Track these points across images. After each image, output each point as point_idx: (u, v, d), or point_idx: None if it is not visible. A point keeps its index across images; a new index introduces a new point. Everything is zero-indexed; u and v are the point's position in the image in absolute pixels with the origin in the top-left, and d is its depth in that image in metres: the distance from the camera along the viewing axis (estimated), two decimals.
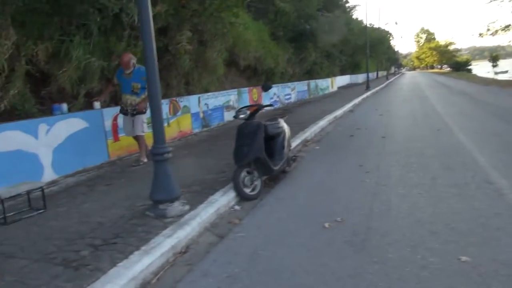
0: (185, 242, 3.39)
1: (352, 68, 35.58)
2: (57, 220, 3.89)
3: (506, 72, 46.98)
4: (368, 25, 31.83)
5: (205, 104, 9.89)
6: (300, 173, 5.71)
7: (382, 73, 54.30)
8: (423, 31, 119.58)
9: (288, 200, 4.55)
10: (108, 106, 6.71)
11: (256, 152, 4.64)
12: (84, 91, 6.34)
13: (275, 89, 14.95)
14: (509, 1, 24.14)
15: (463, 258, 2.86)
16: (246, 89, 12.74)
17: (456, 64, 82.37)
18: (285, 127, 5.63)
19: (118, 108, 6.36)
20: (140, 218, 3.78)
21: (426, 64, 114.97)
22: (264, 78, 15.07)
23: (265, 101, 13.52)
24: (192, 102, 9.23)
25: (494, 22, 28.08)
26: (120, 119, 6.44)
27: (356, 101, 17.18)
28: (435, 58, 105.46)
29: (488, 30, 27.68)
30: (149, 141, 6.35)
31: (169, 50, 8.34)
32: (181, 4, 8.13)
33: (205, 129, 9.75)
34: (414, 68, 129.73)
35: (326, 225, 3.68)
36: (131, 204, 4.21)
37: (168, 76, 8.53)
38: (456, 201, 4.13)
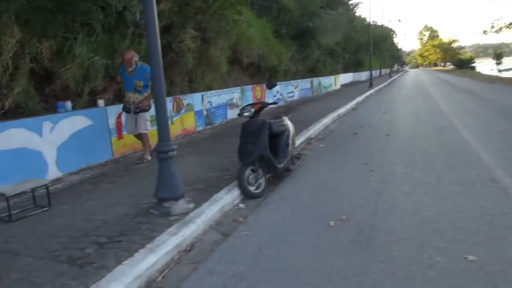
0: (190, 240, 3.39)
1: (355, 65, 35.47)
2: (62, 217, 3.89)
3: (510, 69, 46.70)
4: (371, 23, 31.75)
5: (209, 102, 9.88)
6: (304, 171, 5.69)
7: (385, 71, 54.16)
8: (427, 28, 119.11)
9: (292, 198, 4.54)
10: (112, 104, 6.70)
11: (261, 150, 4.62)
12: (88, 89, 6.34)
13: (278, 87, 14.92)
14: None
15: (470, 257, 2.84)
16: (249, 87, 12.73)
17: (459, 61, 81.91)
18: (289, 125, 5.62)
19: (122, 106, 6.35)
20: (144, 216, 3.78)
21: (429, 62, 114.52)
22: (267, 76, 15.03)
23: (268, 99, 13.50)
24: (195, 100, 9.22)
25: (498, 19, 27.94)
26: (124, 117, 6.43)
27: (359, 99, 17.13)
28: (439, 56, 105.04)
29: (493, 27, 27.55)
30: (152, 139, 6.42)
31: (172, 48, 8.32)
32: (185, 2, 8.12)
33: (208, 127, 9.75)
34: (417, 66, 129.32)
35: (331, 223, 3.66)
36: (135, 202, 4.21)
37: (171, 74, 8.52)
38: (461, 200, 4.11)
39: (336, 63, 26.61)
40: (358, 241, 3.28)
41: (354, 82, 33.83)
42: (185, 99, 8.80)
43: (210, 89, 10.26)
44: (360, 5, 42.84)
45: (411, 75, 55.59)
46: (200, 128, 9.38)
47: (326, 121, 10.19)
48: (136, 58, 5.98)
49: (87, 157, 5.93)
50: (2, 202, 4.00)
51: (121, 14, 6.51)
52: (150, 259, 2.90)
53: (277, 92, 14.80)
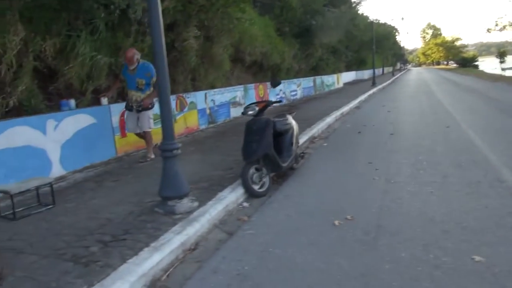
0: (194, 239, 3.37)
1: (357, 64, 35.36)
2: (66, 215, 3.88)
3: None
4: (374, 21, 31.64)
5: (212, 100, 9.86)
6: (308, 170, 5.67)
7: (387, 69, 53.97)
8: (430, 26, 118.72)
9: (296, 197, 4.52)
10: (115, 102, 6.69)
11: (265, 149, 4.60)
12: (92, 87, 6.32)
13: (281, 85, 14.88)
14: None
15: (477, 258, 2.82)
16: (252, 85, 12.70)
17: (462, 60, 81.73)
18: (293, 123, 5.59)
19: (125, 104, 6.33)
20: (149, 215, 3.76)
21: (432, 60, 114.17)
22: (270, 74, 15.00)
23: (271, 97, 13.47)
24: (198, 98, 9.20)
25: (502, 17, 27.80)
26: (126, 115, 6.41)
27: (363, 97, 17.08)
28: (441, 54, 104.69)
29: (496, 25, 27.40)
30: (155, 137, 6.41)
31: (175, 47, 8.30)
32: (188, 0, 8.09)
33: (211, 125, 9.73)
34: (420, 64, 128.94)
35: (336, 222, 3.64)
36: (139, 200, 4.20)
37: (174, 72, 8.50)
38: (468, 200, 4.08)
39: (338, 61, 26.54)
40: (364, 241, 3.26)
41: (356, 80, 33.75)
42: (188, 98, 8.78)
43: (213, 87, 10.24)
44: (362, 3, 42.64)
45: (414, 74, 55.41)
46: (203, 127, 9.36)
47: (329, 119, 10.15)
48: (137, 56, 5.94)
49: (90, 155, 5.93)
50: (6, 200, 4.00)
51: (125, 12, 6.49)
52: (154, 258, 2.89)
53: (280, 90, 14.77)
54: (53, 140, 5.33)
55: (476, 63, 75.77)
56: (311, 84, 19.69)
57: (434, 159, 5.83)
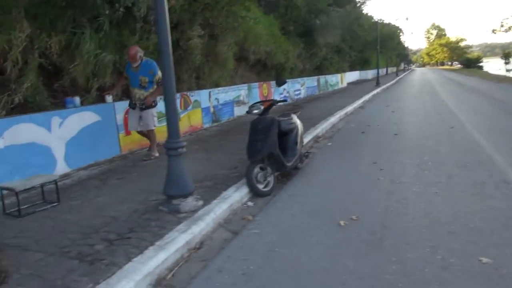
0: (199, 238, 3.37)
1: (361, 64, 35.26)
2: (71, 213, 3.88)
3: None
4: (378, 21, 31.54)
5: (216, 98, 9.85)
6: (312, 170, 5.65)
7: (391, 69, 53.82)
8: (434, 27, 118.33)
9: (301, 196, 4.50)
10: (120, 99, 6.68)
11: (270, 148, 4.59)
12: (97, 85, 6.32)
13: (284, 85, 14.85)
14: None
15: (484, 260, 2.80)
16: (256, 84, 12.68)
17: (467, 60, 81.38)
18: (298, 123, 5.58)
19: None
20: (153, 213, 3.76)
21: (436, 61, 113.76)
22: (274, 73, 14.98)
23: (275, 97, 13.45)
24: (203, 96, 9.19)
25: (507, 18, 27.66)
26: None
27: (367, 97, 17.03)
28: (446, 55, 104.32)
29: (502, 26, 27.25)
30: (158, 135, 6.41)
31: (180, 45, 8.29)
32: None
33: (215, 124, 9.72)
34: (424, 65, 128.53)
35: (342, 223, 3.62)
36: (144, 199, 4.19)
37: (179, 71, 8.48)
38: (473, 201, 4.06)
39: (342, 61, 26.47)
40: (370, 241, 3.24)
41: (360, 80, 33.66)
42: (192, 96, 8.77)
43: (217, 86, 10.22)
44: (367, 2, 42.48)
45: (418, 74, 55.25)
46: (207, 125, 9.36)
47: (333, 119, 10.12)
48: (140, 53, 5.90)
49: (95, 153, 5.93)
50: (12, 197, 3.99)
51: (129, 9, 6.47)
52: (160, 257, 2.88)
53: (284, 89, 14.75)
54: (58, 137, 5.33)
55: (480, 64, 75.47)
56: (315, 83, 19.65)
57: (439, 159, 5.80)
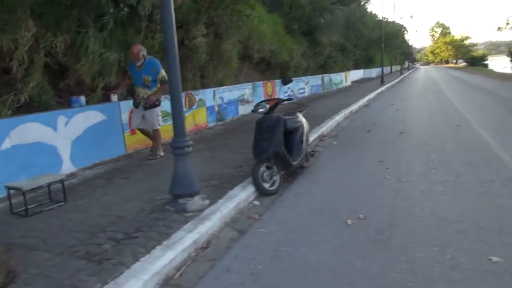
0: (206, 237, 3.36)
1: (365, 62, 35.15)
2: (78, 212, 3.89)
3: None
4: (383, 19, 31.41)
5: (220, 97, 9.84)
6: (318, 169, 5.63)
7: (395, 68, 53.61)
8: (438, 25, 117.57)
9: (307, 195, 4.49)
10: (125, 99, 6.69)
11: (276, 147, 4.57)
12: (102, 84, 6.33)
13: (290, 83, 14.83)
14: None
15: (494, 259, 2.77)
16: (261, 82, 12.66)
17: (471, 59, 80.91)
18: (304, 121, 5.56)
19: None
20: (160, 212, 3.76)
21: (441, 59, 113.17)
22: (278, 72, 14.95)
23: (279, 95, 13.42)
24: (207, 95, 9.19)
25: None
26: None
27: (371, 95, 16.97)
28: (450, 53, 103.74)
29: (507, 24, 27.05)
30: (163, 134, 6.41)
31: (185, 44, 8.28)
32: None
33: (219, 122, 9.71)
34: (428, 63, 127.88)
35: (348, 222, 3.61)
36: (150, 198, 4.19)
37: (183, 69, 8.47)
38: (481, 199, 4.03)
39: (347, 59, 26.39)
40: (378, 240, 3.22)
41: (364, 79, 33.55)
42: (197, 95, 8.77)
43: (221, 84, 10.21)
44: (371, 0, 42.40)
45: (422, 72, 55.00)
46: (211, 124, 9.35)
47: (338, 118, 10.09)
48: (143, 52, 5.87)
49: (100, 152, 5.94)
50: (19, 197, 4.00)
51: (134, 8, 6.47)
52: (167, 256, 2.87)
53: (288, 88, 14.72)
54: (64, 136, 5.34)
55: (485, 62, 74.98)
56: (319, 82, 19.59)
57: (445, 158, 5.77)
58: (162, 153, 6.16)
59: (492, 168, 5.11)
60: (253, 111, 5.00)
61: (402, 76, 38.45)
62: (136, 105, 6.08)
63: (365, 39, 29.46)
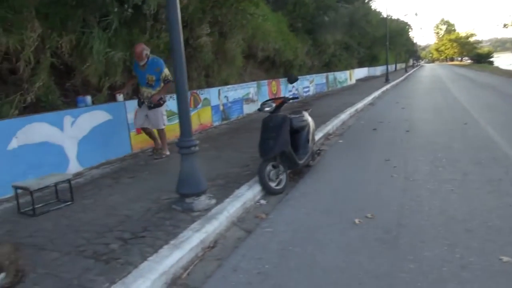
0: (213, 237, 3.35)
1: (370, 60, 35.01)
2: (85, 212, 3.89)
3: None
4: (387, 17, 31.24)
5: (225, 96, 9.83)
6: (324, 167, 5.61)
7: (400, 66, 53.39)
8: (443, 22, 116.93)
9: (314, 194, 4.47)
10: (130, 98, 6.69)
11: (282, 146, 4.56)
12: (108, 84, 6.33)
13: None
14: None
15: (505, 259, 2.74)
16: (265, 81, 12.64)
17: (477, 56, 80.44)
18: (310, 120, 5.54)
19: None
20: (167, 212, 3.75)
21: (446, 56, 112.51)
22: (282, 71, 14.92)
23: (284, 94, 13.39)
24: (212, 94, 9.18)
25: None
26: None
27: (376, 94, 16.90)
28: (455, 50, 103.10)
29: None
30: (168, 134, 6.40)
31: (189, 44, 8.28)
32: None
33: (224, 122, 9.70)
34: (433, 61, 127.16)
35: (356, 221, 3.59)
36: (156, 197, 4.19)
37: (188, 69, 8.37)
38: (490, 198, 4.00)
39: (351, 57, 26.30)
40: (386, 239, 3.20)
41: (369, 77, 33.39)
42: (202, 94, 8.77)
43: (226, 83, 10.21)
44: None
45: (428, 70, 54.71)
46: (216, 123, 9.35)
47: (343, 116, 10.06)
48: (147, 51, 5.85)
49: (106, 151, 5.95)
50: (26, 196, 4.02)
51: (139, 8, 6.47)
52: (175, 256, 2.87)
53: (293, 87, 14.67)
54: (70, 136, 5.35)
55: (491, 59, 74.52)
56: (324, 80, 19.53)
57: (452, 156, 5.73)
58: (167, 153, 6.16)
59: (500, 166, 5.06)
60: (259, 109, 4.99)
61: (407, 74, 38.28)
62: (140, 104, 6.09)
63: (369, 37, 29.33)
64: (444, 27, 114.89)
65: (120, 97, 6.28)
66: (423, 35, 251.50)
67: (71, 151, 5.35)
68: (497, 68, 45.54)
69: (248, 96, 11.11)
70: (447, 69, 54.43)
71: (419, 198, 4.11)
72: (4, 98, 5.00)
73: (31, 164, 4.72)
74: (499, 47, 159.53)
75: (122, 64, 6.47)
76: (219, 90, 9.53)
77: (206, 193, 3.93)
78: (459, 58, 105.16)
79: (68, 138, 5.31)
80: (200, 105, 8.65)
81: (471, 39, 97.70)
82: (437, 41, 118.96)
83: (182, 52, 3.72)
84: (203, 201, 3.81)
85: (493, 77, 27.51)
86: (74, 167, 5.37)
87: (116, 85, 6.53)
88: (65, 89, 6.05)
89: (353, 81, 25.83)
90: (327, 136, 7.84)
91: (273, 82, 13.11)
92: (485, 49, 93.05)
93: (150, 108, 5.99)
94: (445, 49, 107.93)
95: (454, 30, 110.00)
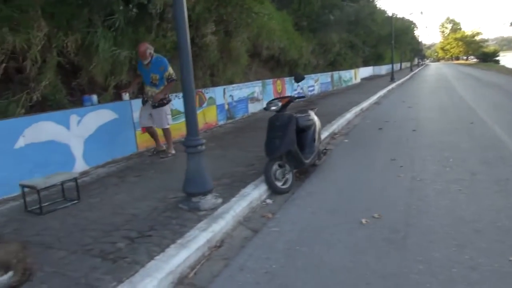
0: (220, 236, 3.34)
1: (375, 59, 34.85)
2: (91, 211, 3.90)
3: None
4: (393, 15, 31.10)
5: (230, 95, 9.82)
6: (330, 167, 5.59)
7: (405, 64, 53.16)
8: (449, 20, 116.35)
9: (320, 194, 4.45)
10: (136, 97, 6.70)
11: (288, 145, 4.54)
12: (114, 83, 6.34)
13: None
14: None
15: None
16: (270, 80, 12.62)
17: (483, 55, 79.90)
18: (316, 119, 5.52)
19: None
20: (173, 211, 3.75)
21: (451, 55, 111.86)
22: (287, 70, 14.89)
23: (289, 93, 13.36)
24: (217, 93, 9.17)
25: None
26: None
27: (381, 93, 16.83)
28: (461, 49, 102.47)
29: None
30: (173, 133, 6.40)
31: (195, 43, 8.27)
32: None
33: (229, 121, 9.70)
34: (438, 60, 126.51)
35: (363, 220, 3.56)
36: (163, 196, 4.19)
37: (194, 68, 8.36)
38: (498, 198, 3.96)
39: (356, 56, 26.22)
40: (393, 240, 3.18)
41: (374, 76, 33.28)
42: (207, 93, 8.76)
43: (231, 82, 10.19)
44: None
45: (433, 69, 54.42)
46: (221, 122, 9.34)
47: (349, 115, 10.02)
48: (150, 50, 5.84)
49: (112, 150, 5.96)
50: (33, 195, 4.03)
51: (145, 6, 6.47)
52: (181, 255, 2.86)
53: (298, 86, 14.63)
54: (76, 135, 5.37)
55: (497, 58, 74.00)
56: (329, 79, 19.48)
57: (459, 155, 5.68)
58: (173, 151, 6.16)
59: (508, 166, 5.02)
60: (265, 109, 4.98)
61: (412, 73, 38.11)
62: (144, 102, 6.09)
63: (375, 36, 29.21)
64: (449, 26, 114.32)
65: (126, 96, 6.29)
66: (428, 34, 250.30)
67: (77, 150, 5.37)
68: (503, 67, 45.20)
69: (253, 95, 11.09)
70: (452, 68, 54.13)
71: (427, 198, 4.08)
72: (11, 97, 5.02)
73: (38, 163, 4.73)
74: (505, 46, 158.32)
75: (128, 63, 6.47)
76: (224, 89, 9.53)
77: (213, 192, 3.92)
78: (465, 57, 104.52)
79: (74, 137, 5.32)
80: (205, 104, 8.65)
81: (477, 38, 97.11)
82: (442, 40, 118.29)
83: (189, 51, 3.72)
84: (209, 200, 3.81)
85: (499, 76, 27.31)
86: (80, 165, 5.38)
87: (122, 84, 6.53)
88: (71, 88, 6.07)
89: (358, 80, 25.75)
90: (332, 135, 7.81)
91: (278, 81, 13.09)
92: (491, 47, 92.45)
93: (154, 107, 5.99)
94: (451, 48, 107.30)
95: (460, 29, 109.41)
